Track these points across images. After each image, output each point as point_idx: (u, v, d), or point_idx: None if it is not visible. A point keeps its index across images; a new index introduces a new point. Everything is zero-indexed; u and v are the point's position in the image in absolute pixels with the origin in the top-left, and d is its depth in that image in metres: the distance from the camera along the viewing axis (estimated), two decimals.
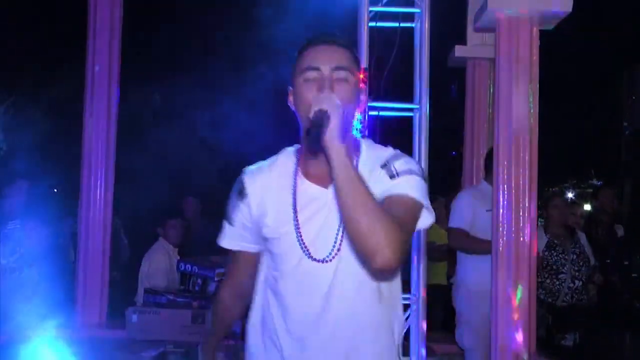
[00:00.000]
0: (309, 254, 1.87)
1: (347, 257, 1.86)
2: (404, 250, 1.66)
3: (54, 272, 5.21)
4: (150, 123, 9.16)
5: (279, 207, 1.91)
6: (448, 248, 6.58)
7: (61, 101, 9.41)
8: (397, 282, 2.00)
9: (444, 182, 7.34)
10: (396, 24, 4.18)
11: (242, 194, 1.96)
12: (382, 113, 4.12)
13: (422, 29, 4.10)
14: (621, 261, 5.36)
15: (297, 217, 1.88)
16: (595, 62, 11.49)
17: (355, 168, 1.73)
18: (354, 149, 1.91)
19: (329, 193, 1.86)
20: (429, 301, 4.23)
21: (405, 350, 4.22)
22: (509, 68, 4.00)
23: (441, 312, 7.34)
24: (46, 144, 9.14)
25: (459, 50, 5.36)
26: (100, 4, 5.11)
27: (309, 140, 1.69)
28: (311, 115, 1.69)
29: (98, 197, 5.09)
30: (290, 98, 1.91)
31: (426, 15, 4.09)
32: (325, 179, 1.84)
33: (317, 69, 1.81)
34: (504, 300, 3.96)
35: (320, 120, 1.65)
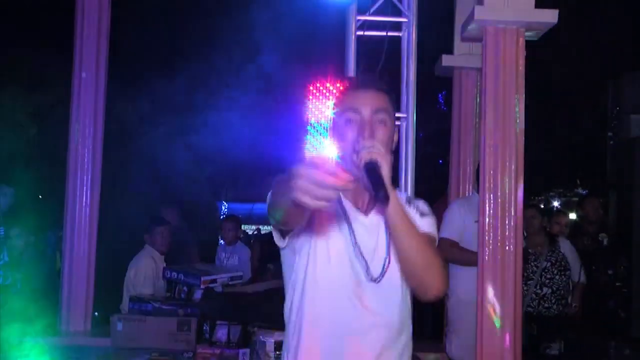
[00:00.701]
0: (368, 270, 2.00)
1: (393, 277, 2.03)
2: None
3: (39, 279, 5.18)
4: (137, 129, 9.12)
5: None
6: None
7: (47, 107, 9.36)
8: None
9: (430, 189, 7.36)
10: (384, 33, 4.20)
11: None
12: None
13: (409, 38, 4.13)
14: (606, 270, 5.39)
15: (354, 234, 2.00)
16: (580, 72, 11.58)
17: (407, 213, 1.92)
18: None
19: (367, 219, 2.04)
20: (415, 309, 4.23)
21: None
22: (496, 77, 4.02)
23: (429, 320, 7.37)
24: (32, 150, 9.08)
25: (446, 60, 5.39)
26: (87, 10, 5.09)
27: (377, 198, 1.76)
28: (361, 164, 1.82)
29: (84, 204, 5.06)
30: (330, 132, 2.07)
31: (413, 25, 4.12)
32: (364, 206, 2.06)
33: (358, 111, 1.97)
34: (490, 308, 3.97)
35: (377, 174, 1.77)
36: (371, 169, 1.79)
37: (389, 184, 1.78)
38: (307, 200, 1.42)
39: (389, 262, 2.01)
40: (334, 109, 2.06)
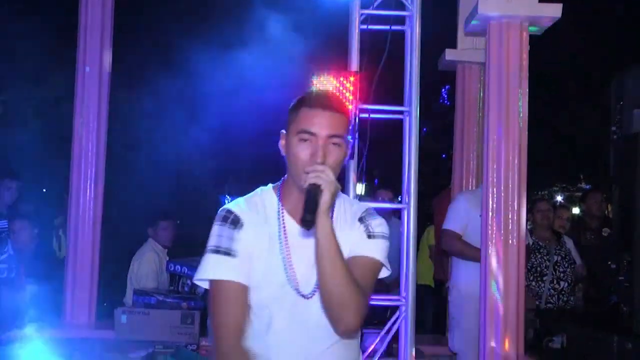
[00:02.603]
0: (298, 289, 1.96)
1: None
2: (365, 313, 1.88)
3: (43, 272, 5.20)
4: (141, 122, 9.14)
5: (269, 243, 1.98)
6: (436, 250, 6.62)
7: (51, 101, 9.38)
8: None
9: (433, 184, 7.37)
10: (387, 27, 4.20)
11: (237, 223, 1.98)
12: (372, 115, 4.14)
13: (412, 32, 4.13)
14: (608, 264, 5.39)
15: (287, 250, 1.98)
16: (583, 66, 11.56)
17: (337, 244, 1.86)
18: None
19: (310, 234, 1.93)
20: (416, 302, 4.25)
21: (394, 352, 4.24)
22: (499, 72, 4.03)
23: (430, 314, 7.38)
24: (36, 144, 9.11)
25: (450, 54, 5.39)
26: (91, 5, 5.10)
27: (303, 210, 1.81)
28: (306, 185, 1.82)
29: (88, 198, 5.08)
30: (282, 142, 2.01)
31: (417, 19, 4.11)
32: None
33: (313, 134, 1.91)
34: (493, 303, 3.98)
35: (314, 196, 1.80)
36: (311, 192, 1.81)
37: (324, 211, 1.80)
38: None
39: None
40: (289, 123, 1.98)
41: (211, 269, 1.95)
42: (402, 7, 4.18)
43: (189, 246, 5.92)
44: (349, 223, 2.03)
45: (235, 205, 2.04)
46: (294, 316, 1.98)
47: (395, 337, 4.14)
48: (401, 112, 4.20)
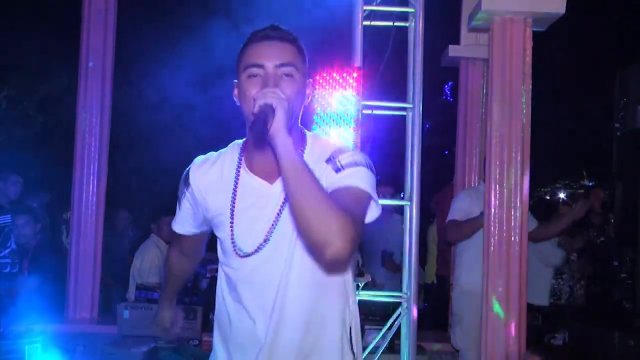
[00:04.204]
0: (235, 246, 1.92)
1: (272, 253, 1.89)
2: (355, 240, 1.62)
3: (46, 266, 5.20)
4: (144, 117, 9.14)
5: (219, 196, 1.94)
6: (439, 246, 6.61)
7: (54, 96, 9.38)
8: (344, 274, 1.98)
9: (436, 180, 7.36)
10: (390, 23, 4.19)
11: (186, 182, 2.01)
12: (375, 112, 4.13)
13: (416, 28, 4.12)
14: (611, 261, 5.39)
15: (233, 207, 1.91)
16: (587, 62, 11.53)
17: (302, 158, 1.73)
18: (300, 142, 1.91)
19: (271, 188, 1.88)
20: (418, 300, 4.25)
21: (396, 348, 4.24)
22: (502, 68, 4.02)
23: (431, 310, 7.37)
24: (39, 139, 9.12)
25: (453, 50, 5.38)
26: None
27: (253, 134, 1.72)
28: (255, 109, 1.69)
29: (91, 193, 5.09)
30: (235, 92, 1.90)
31: (420, 15, 4.10)
32: (271, 174, 1.87)
33: (260, 66, 1.80)
34: (495, 299, 3.98)
35: (265, 114, 1.66)
36: (263, 112, 1.67)
37: (280, 129, 1.65)
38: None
39: (264, 241, 1.88)
40: (238, 69, 1.87)
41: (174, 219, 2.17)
42: (406, 3, 4.17)
43: None
44: (318, 168, 1.81)
45: (198, 161, 2.04)
46: (244, 278, 1.95)
47: (397, 334, 4.15)
48: (404, 109, 4.19)
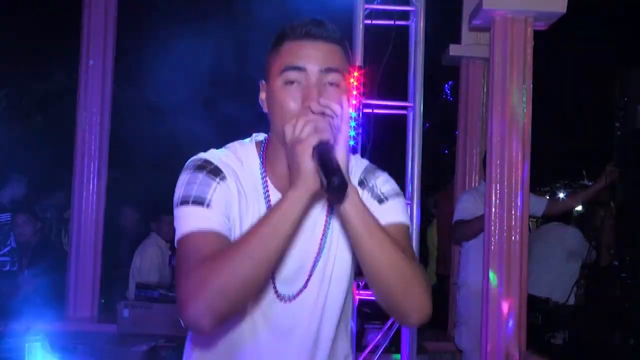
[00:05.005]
0: (276, 289, 1.56)
1: (313, 292, 1.59)
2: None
3: (46, 265, 5.21)
4: (144, 116, 9.14)
5: (248, 218, 1.53)
6: (439, 245, 6.61)
7: (55, 94, 9.38)
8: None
9: (436, 180, 7.36)
10: (391, 22, 4.19)
11: (218, 174, 1.50)
12: (376, 111, 4.13)
13: (417, 27, 4.11)
14: (611, 261, 5.39)
15: None
16: (588, 62, 11.53)
17: (371, 214, 1.42)
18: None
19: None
20: None
21: (397, 348, 4.24)
22: (503, 67, 4.02)
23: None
24: (39, 137, 9.11)
25: (454, 49, 5.38)
26: None
27: (332, 196, 1.36)
28: (312, 157, 1.33)
29: (91, 192, 5.09)
30: (263, 96, 1.56)
31: (421, 14, 4.10)
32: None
33: (302, 69, 1.46)
34: (495, 298, 3.98)
35: (326, 153, 1.32)
36: (322, 151, 1.32)
37: (344, 168, 1.33)
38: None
39: (306, 282, 1.56)
40: (269, 69, 1.52)
41: (179, 227, 1.46)
42: (407, 2, 4.17)
43: None
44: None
45: (214, 155, 1.55)
46: (274, 323, 1.57)
47: (397, 333, 4.15)
48: (405, 108, 4.19)
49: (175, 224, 1.48)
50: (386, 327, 4.14)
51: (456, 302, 4.77)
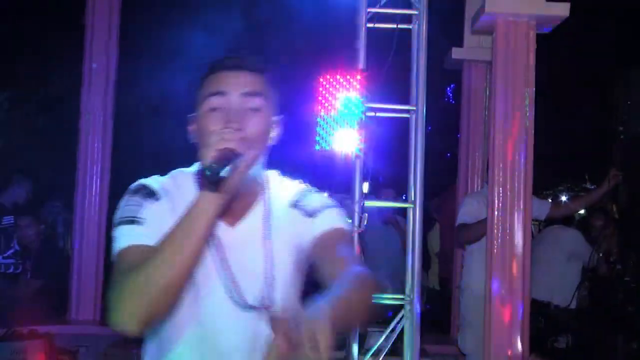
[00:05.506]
0: (241, 297, 1.63)
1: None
2: None
3: (49, 268, 5.21)
4: (147, 119, 9.16)
5: None
6: (441, 248, 6.61)
7: (57, 97, 9.39)
8: None
9: (438, 183, 7.35)
10: (394, 26, 4.19)
11: (151, 195, 1.61)
12: (379, 114, 4.13)
13: (419, 30, 4.11)
14: (613, 269, 5.38)
15: (222, 254, 1.63)
16: (590, 65, 11.52)
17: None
18: (263, 185, 1.70)
19: (233, 231, 1.65)
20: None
21: (399, 351, 4.23)
22: (505, 71, 4.02)
23: (433, 313, 7.36)
24: (42, 140, 9.12)
25: (456, 53, 5.38)
26: (98, 1, 5.11)
27: (202, 182, 1.42)
28: (213, 154, 1.41)
29: (93, 194, 5.09)
30: (193, 127, 1.64)
31: (424, 17, 4.10)
32: (234, 214, 1.64)
33: (223, 94, 1.56)
34: (498, 302, 3.97)
35: (224, 161, 1.40)
36: (223, 156, 1.40)
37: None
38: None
39: (268, 282, 1.64)
40: (197, 101, 1.61)
41: (115, 245, 1.55)
42: (409, 5, 4.16)
43: None
44: (285, 217, 1.68)
45: (152, 180, 1.67)
46: (241, 331, 1.65)
47: (400, 336, 4.14)
48: (407, 111, 4.18)
49: (113, 244, 1.56)
50: (388, 330, 4.13)
51: (459, 305, 4.77)
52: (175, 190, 1.65)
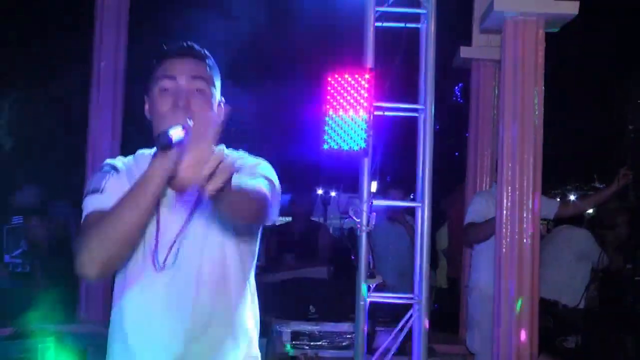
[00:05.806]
0: (154, 259, 1.86)
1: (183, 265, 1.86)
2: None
3: (58, 267, 5.22)
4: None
5: None
6: (449, 248, 6.59)
7: (66, 96, 9.42)
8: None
9: (445, 182, 7.34)
10: (402, 25, 4.18)
11: (114, 169, 1.90)
12: (387, 113, 4.12)
13: (428, 29, 4.10)
14: (624, 265, 5.36)
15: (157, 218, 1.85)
16: (600, 63, 11.47)
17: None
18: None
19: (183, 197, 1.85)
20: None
21: (407, 350, 4.22)
22: (514, 70, 4.00)
23: (441, 312, 7.36)
24: (50, 140, 9.15)
25: (464, 52, 5.36)
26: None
27: (156, 146, 1.60)
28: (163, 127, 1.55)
29: None
30: (147, 107, 1.91)
31: (432, 16, 4.08)
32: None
33: (173, 78, 1.82)
34: (507, 301, 3.96)
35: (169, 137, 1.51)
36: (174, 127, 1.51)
37: (180, 136, 1.50)
38: None
39: (170, 247, 1.85)
40: (149, 82, 1.88)
41: (82, 215, 1.84)
42: (418, 4, 4.15)
43: None
44: None
45: (116, 159, 1.97)
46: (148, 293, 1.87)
47: (408, 335, 4.13)
48: (416, 110, 4.17)
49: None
50: (397, 329, 4.13)
51: (467, 304, 4.76)
52: (134, 166, 1.91)
